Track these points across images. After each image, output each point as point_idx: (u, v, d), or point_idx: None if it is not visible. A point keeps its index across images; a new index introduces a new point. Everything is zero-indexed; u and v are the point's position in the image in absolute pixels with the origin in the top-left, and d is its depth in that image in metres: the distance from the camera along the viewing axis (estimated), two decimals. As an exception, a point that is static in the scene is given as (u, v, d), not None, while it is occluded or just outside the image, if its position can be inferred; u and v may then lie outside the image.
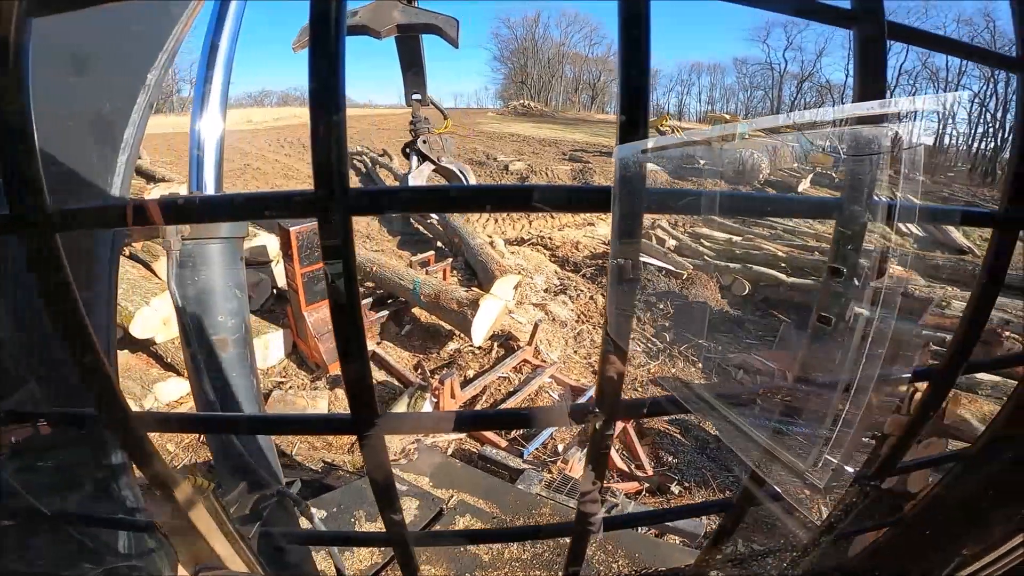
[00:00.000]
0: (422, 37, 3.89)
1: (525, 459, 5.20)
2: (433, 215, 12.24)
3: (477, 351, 7.34)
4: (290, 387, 6.39)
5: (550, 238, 12.67)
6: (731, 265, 10.92)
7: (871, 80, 0.41)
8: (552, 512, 3.21)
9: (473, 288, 8.10)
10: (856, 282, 0.41)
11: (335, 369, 6.67)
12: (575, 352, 7.95)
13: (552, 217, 14.11)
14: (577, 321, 8.84)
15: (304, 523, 1.45)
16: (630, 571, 2.71)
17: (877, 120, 0.38)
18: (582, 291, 9.87)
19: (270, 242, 7.96)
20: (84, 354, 0.44)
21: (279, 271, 7.82)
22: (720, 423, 0.47)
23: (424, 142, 5.30)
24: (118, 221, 0.41)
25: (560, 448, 5.57)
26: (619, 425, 5.80)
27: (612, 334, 0.45)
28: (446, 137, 5.43)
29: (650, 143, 0.41)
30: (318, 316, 6.69)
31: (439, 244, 11.81)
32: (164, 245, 1.28)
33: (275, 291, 8.10)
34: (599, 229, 13.76)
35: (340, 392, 6.22)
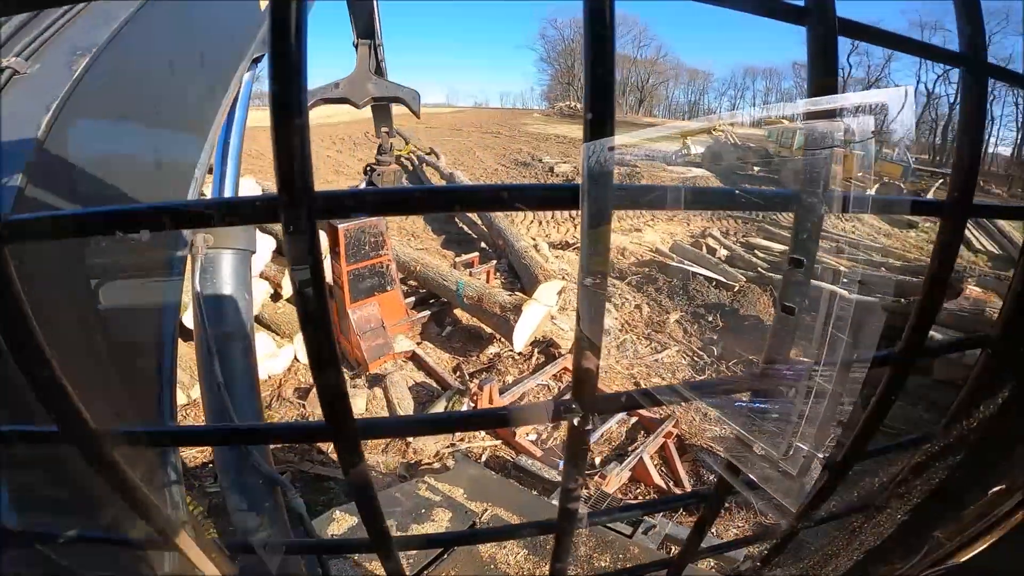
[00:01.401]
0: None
1: (560, 470, 5.13)
2: (477, 216, 12.47)
3: (517, 357, 7.28)
4: None
5: (595, 243, 12.54)
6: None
7: (824, 76, 0.41)
8: (589, 532, 3.06)
9: (516, 292, 8.07)
10: (817, 271, 0.42)
11: (376, 367, 6.78)
12: (617, 363, 7.77)
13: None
14: (620, 330, 8.68)
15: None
16: (617, 566, 2.66)
17: (830, 115, 0.38)
18: (627, 299, 9.67)
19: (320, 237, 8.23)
20: (39, 369, 0.43)
21: (327, 266, 8.03)
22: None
23: (379, 175, 5.99)
24: (72, 232, 0.41)
25: (597, 462, 5.45)
26: (659, 440, 5.64)
27: (585, 330, 0.46)
28: (397, 170, 6.14)
29: (617, 140, 0.42)
30: (361, 314, 6.84)
31: (483, 245, 11.88)
32: (192, 251, 1.55)
33: None
34: (646, 235, 13.47)
35: (378, 391, 6.31)
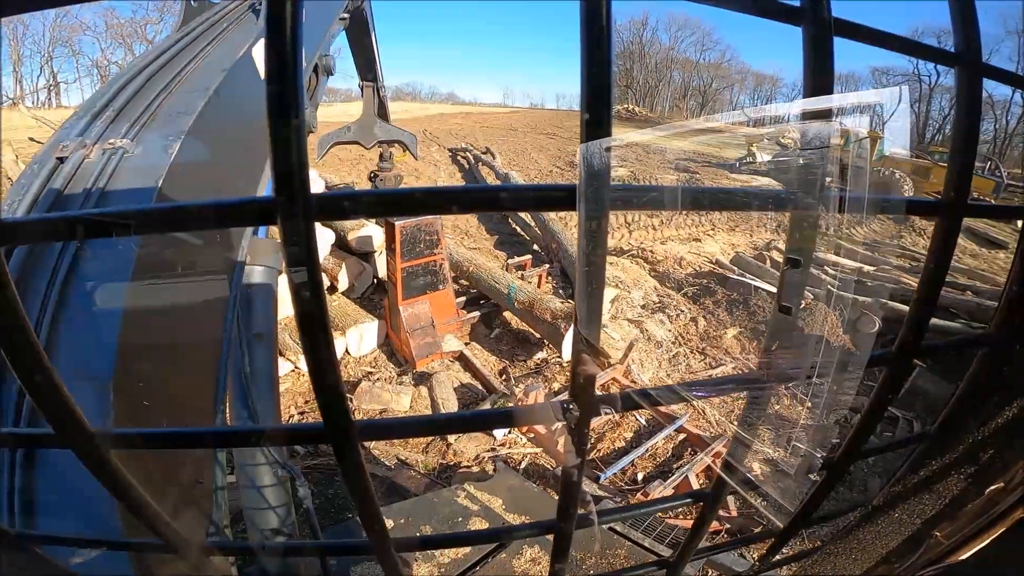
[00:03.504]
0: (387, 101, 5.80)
1: (601, 483, 4.98)
2: (531, 218, 12.51)
3: (565, 364, 7.20)
4: (378, 379, 6.60)
5: (651, 251, 12.18)
6: (859, 298, 9.75)
7: (819, 75, 0.40)
8: (628, 554, 2.97)
9: (569, 300, 7.93)
10: (814, 271, 0.41)
11: (423, 365, 6.86)
12: (668, 375, 7.53)
13: (654, 228, 13.63)
14: (674, 343, 8.41)
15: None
16: (617, 565, 2.63)
17: (825, 115, 0.36)
18: (682, 311, 9.33)
19: (376, 233, 8.39)
20: (34, 374, 0.42)
21: (382, 261, 8.20)
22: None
23: (381, 180, 6.54)
24: (65, 234, 0.40)
25: (640, 477, 5.29)
26: (707, 459, 5.42)
27: (583, 331, 0.46)
28: (399, 175, 6.86)
29: (614, 141, 0.41)
30: (412, 311, 6.93)
31: (536, 248, 11.82)
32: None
33: (376, 280, 8.53)
34: (706, 246, 12.97)
35: (424, 389, 6.36)
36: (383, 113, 6.02)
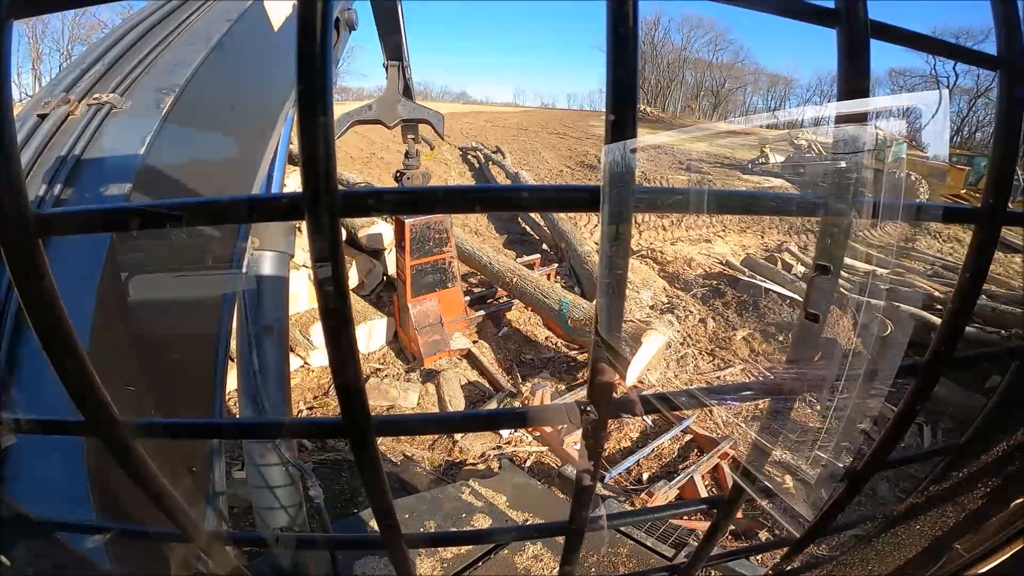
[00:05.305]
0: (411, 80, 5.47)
1: (606, 483, 4.95)
2: (540, 217, 12.49)
3: (573, 364, 7.25)
4: (386, 375, 6.63)
5: (661, 252, 12.14)
6: (872, 301, 9.63)
7: (854, 79, 0.40)
8: (630, 554, 2.94)
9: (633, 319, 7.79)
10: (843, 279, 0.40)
11: (431, 362, 6.87)
12: (676, 376, 7.51)
13: (664, 229, 13.57)
14: (682, 344, 8.36)
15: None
16: (620, 564, 2.64)
17: (860, 119, 0.36)
18: (691, 312, 9.28)
19: (386, 231, 8.39)
20: (67, 360, 0.43)
21: (391, 259, 8.21)
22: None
23: (408, 179, 6.40)
24: (99, 226, 0.42)
25: (645, 477, 5.26)
26: (713, 461, 5.39)
27: (603, 334, 0.46)
28: (425, 173, 6.65)
29: (639, 142, 0.41)
30: (421, 309, 6.93)
31: (545, 247, 11.83)
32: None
33: (385, 278, 8.53)
34: (716, 247, 12.91)
35: (431, 387, 6.39)
36: (408, 95, 5.78)
